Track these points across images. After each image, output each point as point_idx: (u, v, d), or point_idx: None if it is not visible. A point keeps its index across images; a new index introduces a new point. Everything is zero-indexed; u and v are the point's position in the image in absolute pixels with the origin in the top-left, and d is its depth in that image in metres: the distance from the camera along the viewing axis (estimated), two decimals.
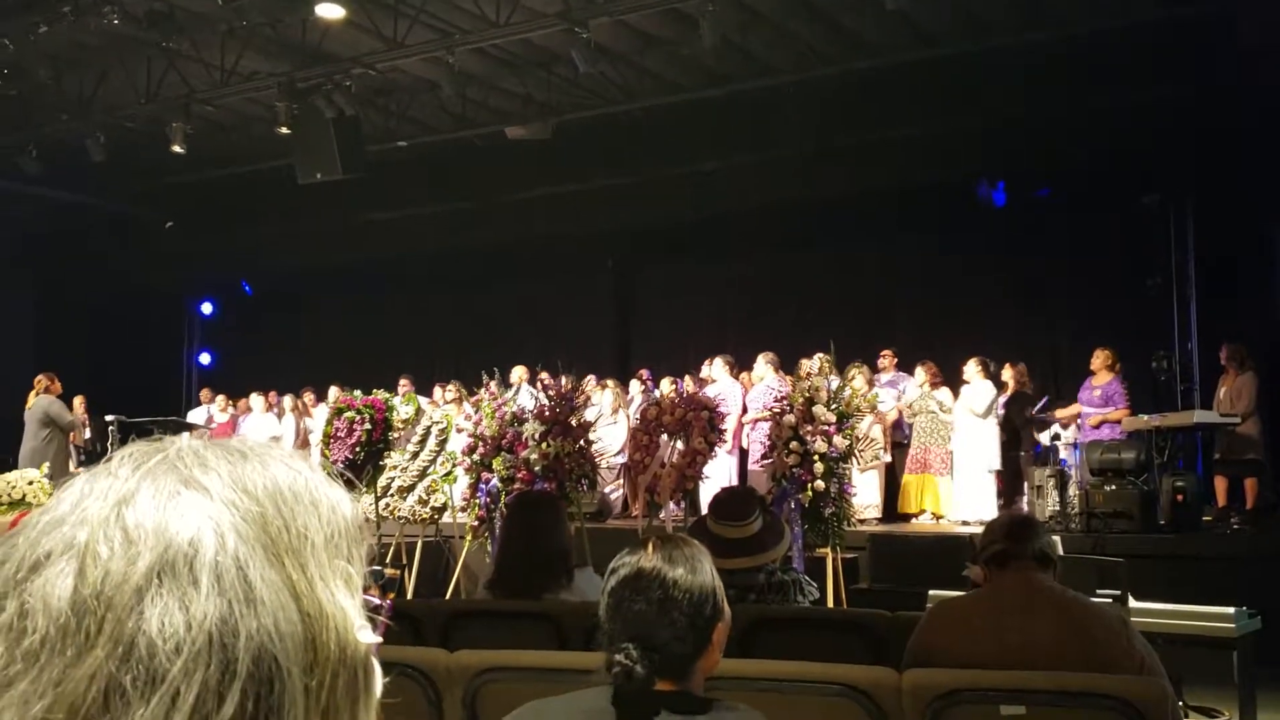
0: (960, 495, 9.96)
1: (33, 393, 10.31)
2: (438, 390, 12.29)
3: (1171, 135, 10.53)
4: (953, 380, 10.32)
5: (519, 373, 11.48)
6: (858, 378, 8.44)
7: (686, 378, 9.86)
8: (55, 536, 0.54)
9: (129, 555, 0.53)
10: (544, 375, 8.79)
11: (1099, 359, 9.75)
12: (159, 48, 11.04)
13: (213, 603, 0.52)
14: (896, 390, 10.68)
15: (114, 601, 0.51)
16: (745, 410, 10.60)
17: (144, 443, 0.60)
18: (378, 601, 0.64)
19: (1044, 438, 10.08)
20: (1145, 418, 9.01)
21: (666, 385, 10.49)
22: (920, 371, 10.40)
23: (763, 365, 10.40)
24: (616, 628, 1.86)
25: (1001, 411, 10.14)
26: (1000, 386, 10.25)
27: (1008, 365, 10.33)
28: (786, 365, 9.97)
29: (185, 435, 0.62)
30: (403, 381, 12.29)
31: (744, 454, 10.69)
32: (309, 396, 13.83)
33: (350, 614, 0.58)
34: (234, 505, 0.56)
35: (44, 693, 0.50)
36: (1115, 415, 9.54)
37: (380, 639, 0.62)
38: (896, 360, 11.00)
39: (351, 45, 10.99)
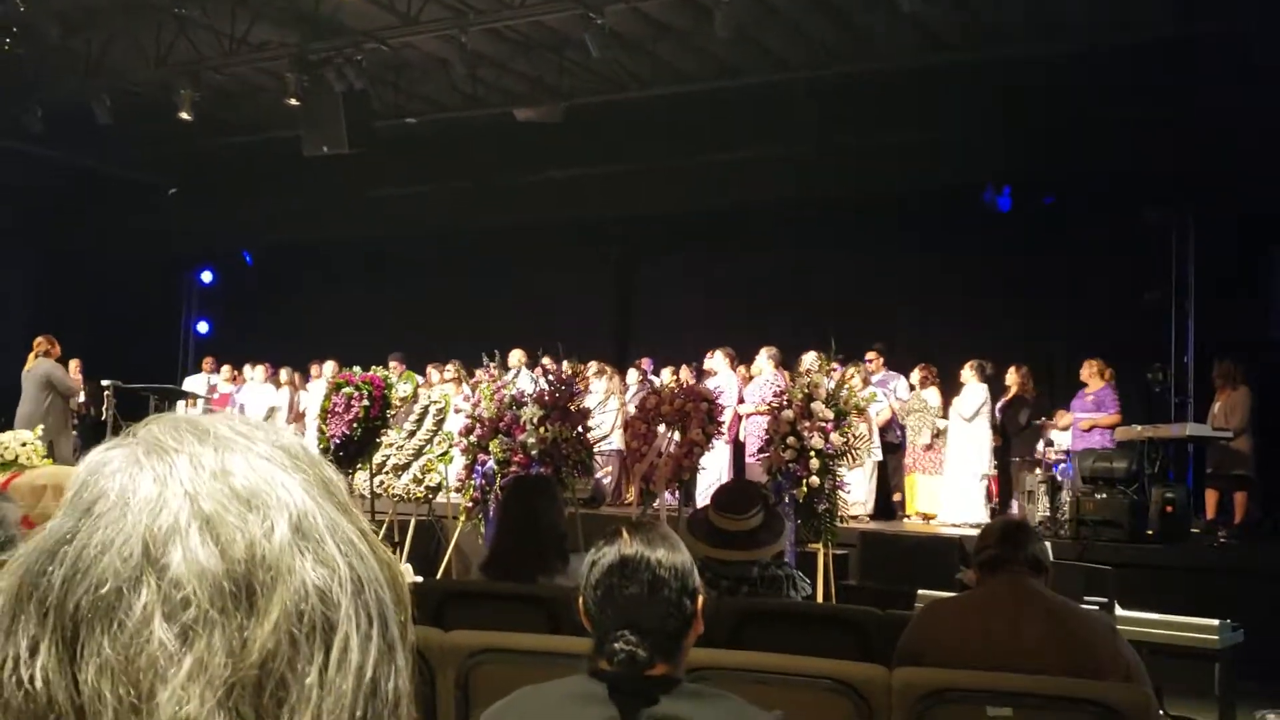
0: (948, 497, 9.99)
1: (32, 355, 10.06)
2: (433, 371, 12.24)
3: (1175, 151, 10.57)
4: (952, 383, 10.34)
5: (517, 356, 11.46)
6: (855, 377, 8.46)
7: (685, 369, 9.85)
8: (165, 514, 0.55)
9: (263, 522, 0.56)
10: (546, 360, 8.77)
11: (1088, 369, 9.84)
12: (170, 13, 11.00)
13: (341, 558, 0.57)
14: (886, 390, 10.71)
15: (274, 564, 0.55)
16: (741, 402, 10.63)
17: (167, 422, 0.61)
18: None
19: (1039, 445, 10.12)
20: (1138, 428, 9.05)
21: (668, 375, 10.51)
22: (915, 371, 10.45)
23: (763, 359, 10.43)
24: (609, 616, 1.88)
25: (999, 416, 10.16)
26: (1002, 389, 10.27)
27: (1012, 368, 10.32)
28: (784, 361, 10.00)
29: (199, 410, 0.63)
30: (393, 364, 11.44)
31: (738, 445, 10.73)
32: (315, 370, 13.80)
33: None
34: (300, 471, 0.60)
35: (231, 653, 0.53)
36: (1106, 420, 9.59)
37: None
38: (884, 361, 11.02)
39: (364, 19, 10.96)
